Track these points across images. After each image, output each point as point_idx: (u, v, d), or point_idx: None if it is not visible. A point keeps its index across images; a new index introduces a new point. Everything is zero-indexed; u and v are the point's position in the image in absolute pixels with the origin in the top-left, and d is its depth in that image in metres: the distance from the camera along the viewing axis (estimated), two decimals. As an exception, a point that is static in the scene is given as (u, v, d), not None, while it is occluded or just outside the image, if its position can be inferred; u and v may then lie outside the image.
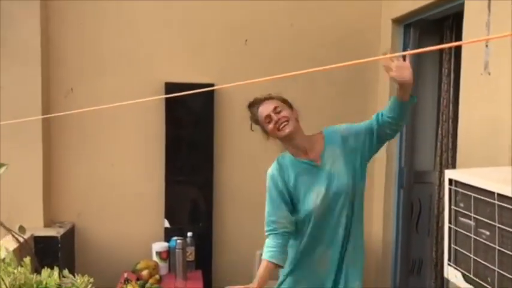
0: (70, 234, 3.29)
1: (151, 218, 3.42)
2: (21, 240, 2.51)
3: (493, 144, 2.14)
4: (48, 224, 3.23)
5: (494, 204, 1.49)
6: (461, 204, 1.68)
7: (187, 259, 3.15)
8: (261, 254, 2.15)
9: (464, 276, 1.67)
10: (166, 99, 3.28)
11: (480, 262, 1.58)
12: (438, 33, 3.40)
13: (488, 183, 1.53)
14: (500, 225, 1.47)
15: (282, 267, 2.16)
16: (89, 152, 3.37)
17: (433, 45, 3.21)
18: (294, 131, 2.19)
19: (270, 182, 2.20)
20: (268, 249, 2.12)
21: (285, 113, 2.19)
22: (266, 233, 2.17)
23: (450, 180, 1.73)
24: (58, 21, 3.27)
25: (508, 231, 1.44)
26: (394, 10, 3.30)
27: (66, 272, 1.50)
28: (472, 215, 1.61)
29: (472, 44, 2.32)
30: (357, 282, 2.23)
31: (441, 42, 3.35)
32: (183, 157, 3.40)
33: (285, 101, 2.25)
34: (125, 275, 3.00)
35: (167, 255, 3.22)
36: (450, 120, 3.29)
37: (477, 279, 1.60)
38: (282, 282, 2.28)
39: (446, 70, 3.34)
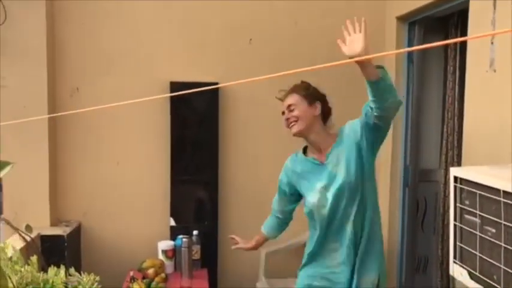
0: (76, 233, 3.31)
1: (157, 217, 3.43)
2: (28, 239, 2.51)
3: (498, 141, 2.12)
4: (54, 223, 3.25)
5: (499, 201, 1.49)
6: (467, 202, 1.67)
7: (193, 257, 3.15)
8: (266, 252, 2.31)
9: (470, 273, 1.67)
10: (172, 98, 3.29)
11: (486, 260, 1.58)
12: (443, 31, 3.39)
13: (493, 181, 1.53)
14: (505, 223, 1.47)
15: (270, 239, 2.61)
16: (94, 151, 3.39)
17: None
18: (304, 130, 2.22)
19: (282, 170, 2.41)
20: (265, 223, 2.58)
21: (297, 112, 2.22)
22: None
23: (455, 178, 1.73)
24: (63, 21, 3.28)
25: (514, 228, 1.44)
26: (398, 8, 3.29)
27: (72, 270, 1.51)
28: (478, 212, 1.61)
29: (477, 42, 2.31)
30: (372, 275, 2.20)
31: (446, 40, 3.35)
32: (188, 156, 3.41)
33: (306, 96, 2.25)
34: (131, 273, 3.00)
35: (173, 254, 3.22)
36: (455, 118, 3.28)
37: (483, 277, 1.60)
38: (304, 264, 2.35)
39: (451, 68, 3.33)
